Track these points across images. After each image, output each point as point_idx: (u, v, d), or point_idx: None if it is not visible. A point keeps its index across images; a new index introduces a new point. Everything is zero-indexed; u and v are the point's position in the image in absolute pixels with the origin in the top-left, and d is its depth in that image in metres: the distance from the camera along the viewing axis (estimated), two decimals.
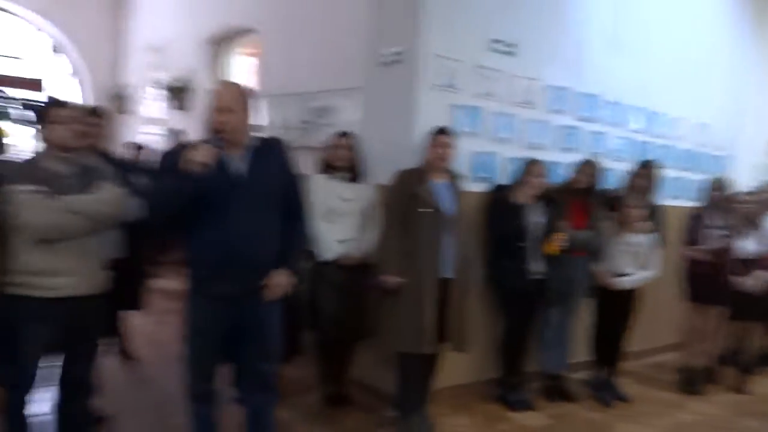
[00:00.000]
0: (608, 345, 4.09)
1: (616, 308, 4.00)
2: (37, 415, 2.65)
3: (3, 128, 3.39)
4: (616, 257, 3.92)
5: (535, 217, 3.69)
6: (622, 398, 4.10)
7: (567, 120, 4.45)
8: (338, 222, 3.48)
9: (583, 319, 4.19)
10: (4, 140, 3.30)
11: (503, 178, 3.97)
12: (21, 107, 3.55)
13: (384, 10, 3.90)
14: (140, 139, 8.00)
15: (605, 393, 4.06)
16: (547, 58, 4.27)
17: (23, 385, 2.54)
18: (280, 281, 2.57)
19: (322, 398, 3.67)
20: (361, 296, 3.42)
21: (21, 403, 2.57)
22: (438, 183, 3.26)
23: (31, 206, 2.36)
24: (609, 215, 4.01)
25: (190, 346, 2.64)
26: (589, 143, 4.61)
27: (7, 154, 3.20)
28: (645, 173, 4.15)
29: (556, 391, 4.02)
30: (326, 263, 3.42)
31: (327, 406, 3.61)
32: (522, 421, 3.67)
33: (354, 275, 3.41)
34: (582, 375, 4.30)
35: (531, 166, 3.72)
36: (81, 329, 2.57)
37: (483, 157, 3.96)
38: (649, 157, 4.57)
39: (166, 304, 5.50)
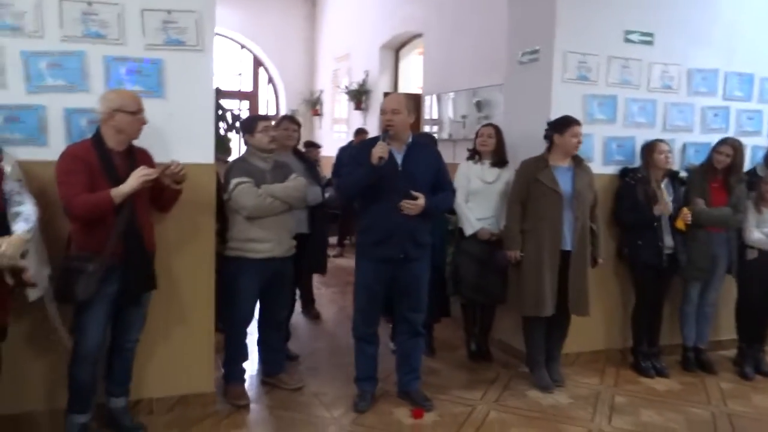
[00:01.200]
0: (752, 320, 4.15)
1: (760, 282, 4.03)
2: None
3: (227, 137, 4.47)
4: (757, 233, 3.98)
5: (666, 195, 3.91)
6: (766, 374, 4.12)
7: (714, 101, 4.51)
8: (480, 202, 4.04)
9: (731, 295, 4.28)
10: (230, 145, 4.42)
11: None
12: (230, 118, 4.61)
13: (520, 13, 4.36)
14: (327, 138, 9.19)
15: (747, 367, 4.12)
16: (690, 43, 4.36)
17: (242, 324, 3.50)
18: (420, 202, 3.20)
19: (467, 354, 4.29)
20: (498, 266, 3.95)
21: (242, 339, 3.53)
22: (561, 167, 3.67)
23: (244, 193, 3.29)
24: (751, 194, 4.06)
25: (358, 297, 3.44)
26: (742, 123, 4.61)
27: (230, 156, 4.25)
28: None
29: (695, 362, 4.18)
30: (468, 238, 4.01)
31: (471, 361, 4.23)
32: (651, 384, 3.94)
33: (492, 248, 3.95)
34: (728, 352, 4.40)
35: (655, 145, 3.95)
36: (279, 282, 3.50)
37: (619, 142, 4.24)
38: None
39: (346, 278, 6.50)
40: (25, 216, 2.55)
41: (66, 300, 2.74)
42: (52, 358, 2.98)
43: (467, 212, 4.00)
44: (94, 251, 2.70)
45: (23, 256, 2.56)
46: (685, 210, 3.86)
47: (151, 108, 2.98)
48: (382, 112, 3.31)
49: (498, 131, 4.11)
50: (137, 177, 2.69)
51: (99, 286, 2.70)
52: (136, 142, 2.88)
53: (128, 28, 3.02)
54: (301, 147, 4.30)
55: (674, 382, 3.98)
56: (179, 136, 3.13)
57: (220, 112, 4.09)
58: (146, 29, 3.04)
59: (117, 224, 2.72)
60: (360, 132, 8.15)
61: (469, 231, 3.97)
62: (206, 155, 3.21)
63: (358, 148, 3.63)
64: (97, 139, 2.77)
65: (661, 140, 4.00)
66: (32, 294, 2.74)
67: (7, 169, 2.67)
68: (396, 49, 8.91)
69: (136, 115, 2.78)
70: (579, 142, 3.69)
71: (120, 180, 2.70)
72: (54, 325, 2.90)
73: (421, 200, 3.21)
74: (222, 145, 3.91)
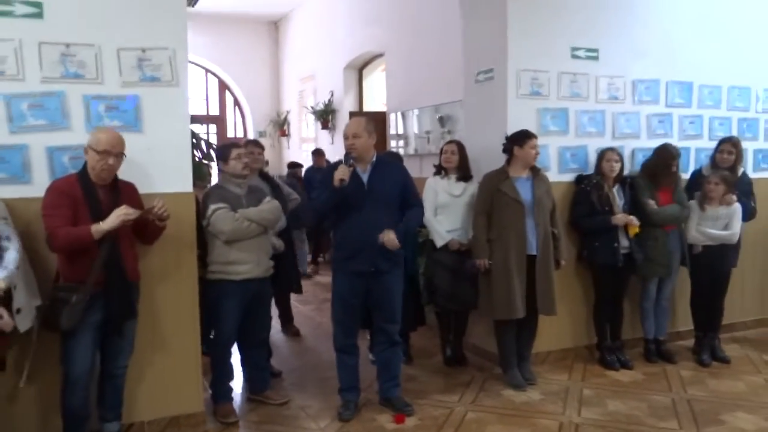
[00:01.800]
0: (705, 310, 4.45)
1: (708, 275, 4.35)
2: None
3: (205, 163, 4.61)
4: (702, 229, 4.29)
5: (617, 199, 4.21)
6: (722, 359, 4.42)
7: (658, 108, 4.84)
8: (448, 214, 4.26)
9: (687, 288, 4.58)
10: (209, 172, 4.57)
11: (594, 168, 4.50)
12: (205, 146, 4.78)
13: (474, 35, 4.63)
14: (295, 158, 9.37)
15: (704, 355, 4.42)
16: (633, 56, 4.69)
17: (227, 345, 3.65)
18: (390, 236, 3.40)
19: (443, 360, 4.50)
20: (469, 274, 4.16)
21: (227, 359, 3.67)
22: (520, 178, 3.93)
23: (221, 218, 3.45)
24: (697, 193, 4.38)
25: (336, 310, 3.63)
26: (684, 127, 4.95)
27: (209, 182, 4.39)
28: (727, 149, 4.45)
29: (656, 353, 4.46)
30: (439, 249, 4.22)
31: (447, 366, 4.43)
32: (616, 377, 4.19)
33: (462, 257, 4.17)
34: (687, 342, 4.69)
35: (604, 154, 4.25)
36: (260, 301, 3.66)
37: (573, 151, 4.52)
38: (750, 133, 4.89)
39: (322, 295, 6.66)
40: (4, 264, 2.66)
41: (52, 329, 2.86)
42: (43, 387, 3.07)
43: (437, 225, 4.21)
44: (79, 281, 2.83)
45: (10, 291, 2.68)
46: (633, 219, 4.14)
47: (129, 142, 3.13)
48: (344, 137, 3.52)
49: (461, 147, 4.34)
50: (117, 216, 2.80)
51: (83, 315, 2.83)
52: (120, 174, 3.02)
53: (105, 67, 3.17)
54: (268, 169, 4.46)
55: (638, 373, 4.24)
56: (158, 168, 3.28)
57: (194, 140, 4.23)
58: (122, 67, 3.20)
59: (99, 256, 2.85)
60: (317, 152, 8.38)
61: (440, 243, 4.18)
62: (185, 185, 3.37)
63: (326, 171, 3.83)
64: (83, 173, 2.91)
65: (611, 149, 4.28)
66: (22, 325, 2.84)
67: None
68: (359, 68, 9.17)
69: (100, 154, 2.84)
70: (537, 153, 3.96)
71: (102, 214, 2.83)
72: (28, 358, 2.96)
73: (391, 234, 3.40)
74: (200, 172, 4.05)
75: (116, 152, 2.91)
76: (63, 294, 2.83)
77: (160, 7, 3.28)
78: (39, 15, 3.06)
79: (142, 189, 3.16)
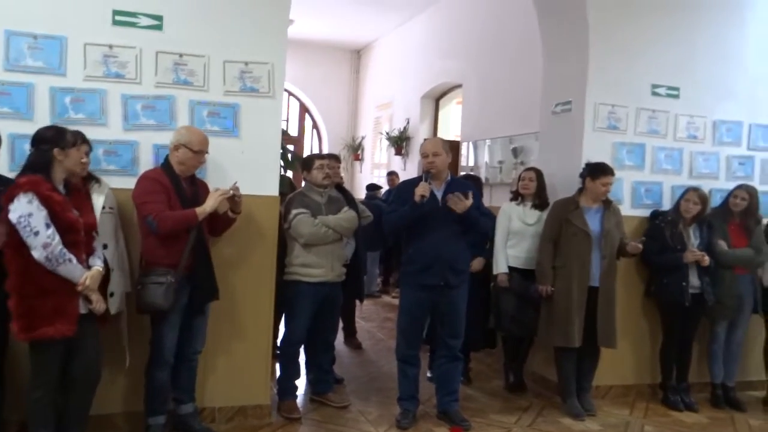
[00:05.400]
0: None
1: None
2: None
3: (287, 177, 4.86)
4: None
5: (692, 238, 4.17)
6: None
7: (739, 151, 4.79)
8: (519, 242, 4.31)
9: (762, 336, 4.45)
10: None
11: (668, 205, 4.49)
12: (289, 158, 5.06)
13: (555, 68, 4.74)
14: (367, 181, 9.64)
15: None
16: (715, 96, 4.69)
17: (296, 343, 3.84)
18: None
19: (504, 384, 4.52)
20: (533, 300, 4.20)
21: (295, 357, 3.87)
22: (590, 209, 3.98)
23: (302, 222, 3.67)
24: None
25: (401, 321, 3.76)
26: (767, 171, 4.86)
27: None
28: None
29: (723, 400, 4.33)
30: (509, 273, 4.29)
31: (506, 390, 4.45)
32: (680, 417, 4.10)
33: (528, 284, 4.22)
34: (758, 393, 4.53)
35: (686, 192, 4.23)
36: (330, 305, 3.84)
37: (647, 186, 4.53)
38: None
39: (386, 314, 6.80)
40: (98, 253, 2.89)
41: (149, 311, 3.09)
42: (125, 366, 3.29)
43: (500, 254, 4.27)
44: (169, 265, 3.05)
45: (108, 276, 2.93)
46: (705, 256, 4.09)
47: (226, 146, 3.43)
48: (424, 155, 3.67)
49: (539, 175, 4.41)
50: (215, 197, 3.09)
51: (176, 296, 3.06)
52: (214, 173, 3.29)
53: (211, 77, 3.48)
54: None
55: (703, 417, 4.14)
56: (250, 172, 3.52)
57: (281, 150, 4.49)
58: (226, 78, 3.50)
59: (189, 240, 3.09)
60: (392, 174, 8.64)
61: (495, 270, 4.27)
62: (272, 188, 3.62)
63: (400, 187, 4.00)
64: (167, 166, 3.17)
65: (695, 189, 4.24)
66: (113, 308, 3.06)
67: (101, 199, 3.06)
68: (436, 98, 9.38)
69: (196, 153, 3.15)
70: (607, 191, 3.99)
71: (188, 201, 3.10)
72: (122, 342, 3.22)
73: (469, 201, 3.53)
74: (282, 185, 4.27)
75: (206, 151, 3.21)
76: (157, 277, 3.02)
77: (264, 25, 3.58)
78: (159, 27, 3.41)
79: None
